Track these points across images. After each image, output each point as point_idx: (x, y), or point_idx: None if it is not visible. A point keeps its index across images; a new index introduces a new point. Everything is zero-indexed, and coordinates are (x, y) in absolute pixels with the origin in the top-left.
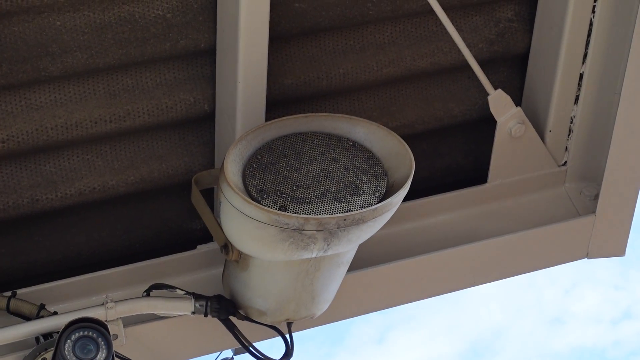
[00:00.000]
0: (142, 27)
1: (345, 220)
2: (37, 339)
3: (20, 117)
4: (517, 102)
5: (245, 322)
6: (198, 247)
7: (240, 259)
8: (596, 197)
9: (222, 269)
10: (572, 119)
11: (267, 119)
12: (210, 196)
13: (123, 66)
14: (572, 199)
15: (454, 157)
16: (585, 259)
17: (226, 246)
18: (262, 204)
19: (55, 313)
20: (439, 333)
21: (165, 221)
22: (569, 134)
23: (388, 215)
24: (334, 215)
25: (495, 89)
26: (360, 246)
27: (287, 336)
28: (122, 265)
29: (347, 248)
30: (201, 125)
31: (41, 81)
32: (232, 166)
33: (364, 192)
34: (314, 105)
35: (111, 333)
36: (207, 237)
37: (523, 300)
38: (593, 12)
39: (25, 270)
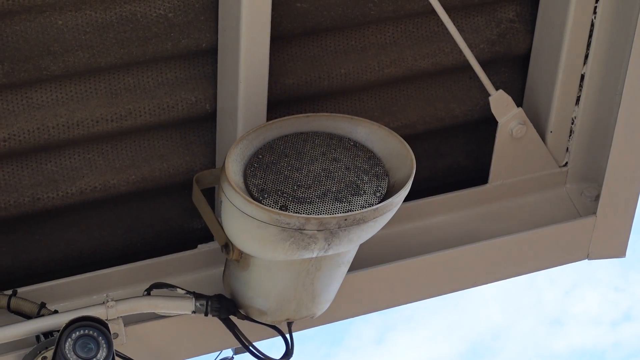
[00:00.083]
0: (143, 27)
1: (346, 220)
2: (37, 337)
3: (21, 116)
4: (519, 102)
5: (246, 322)
6: (199, 246)
7: (241, 258)
8: (597, 198)
9: (222, 269)
10: (573, 119)
11: (268, 119)
12: (211, 196)
13: (125, 65)
14: (573, 199)
15: (455, 158)
16: (586, 260)
17: (227, 245)
18: (263, 204)
19: (55, 312)
20: (439, 333)
21: (166, 220)
22: (570, 135)
23: (389, 215)
24: (334, 215)
25: (497, 89)
26: (361, 246)
27: (288, 336)
28: (122, 264)
29: (347, 248)
30: (202, 125)
31: (43, 80)
32: (233, 166)
33: (365, 192)
34: (315, 105)
35: (112, 332)
36: (207, 237)
37: (523, 301)
38: (594, 12)
39: (26, 268)
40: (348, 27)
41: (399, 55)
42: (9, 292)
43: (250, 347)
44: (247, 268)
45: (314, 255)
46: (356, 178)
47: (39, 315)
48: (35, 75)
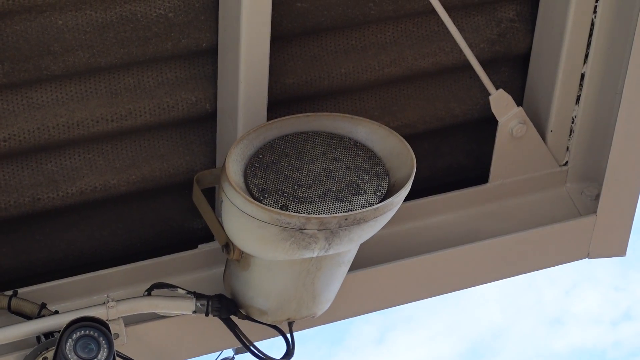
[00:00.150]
0: (143, 26)
1: (346, 219)
2: (38, 338)
3: (21, 116)
4: (519, 102)
5: (246, 322)
6: (199, 246)
7: (242, 258)
8: (597, 197)
9: (223, 269)
10: (573, 119)
11: (268, 119)
12: (212, 195)
13: (125, 65)
14: (573, 199)
15: (455, 157)
16: (586, 259)
17: (227, 245)
18: (263, 203)
19: (56, 312)
20: (439, 333)
21: (166, 220)
22: (570, 134)
23: (389, 214)
24: (335, 215)
25: (497, 88)
26: (362, 246)
27: (288, 336)
28: (123, 264)
29: (348, 247)
30: (203, 125)
31: (43, 80)
32: (234, 165)
33: (365, 191)
34: (316, 104)
35: (112, 332)
36: (208, 237)
37: (523, 301)
38: (594, 12)
39: (26, 269)
40: (348, 27)
41: (399, 55)
42: (10, 292)
43: (251, 347)
44: (247, 268)
45: (315, 254)
46: (356, 177)
47: (39, 315)
48: (36, 75)
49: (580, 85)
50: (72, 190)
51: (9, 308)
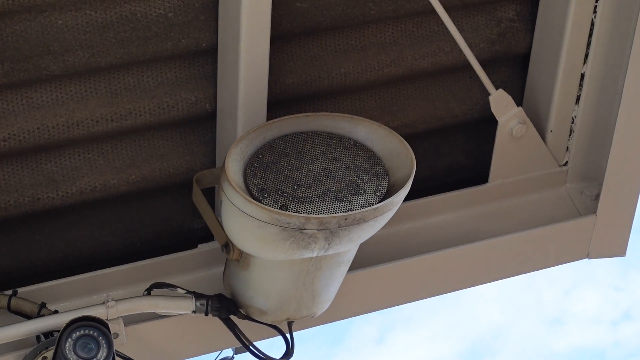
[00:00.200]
0: (143, 26)
1: (346, 219)
2: (38, 337)
3: (21, 116)
4: (519, 102)
5: (246, 321)
6: (199, 246)
7: (241, 258)
8: (597, 197)
9: (223, 268)
10: (573, 119)
11: (268, 118)
12: (212, 195)
13: (124, 65)
14: (573, 199)
15: (455, 157)
16: (586, 259)
17: (227, 245)
18: (263, 203)
19: (56, 312)
20: (439, 333)
21: (166, 220)
22: (570, 134)
23: (389, 214)
24: (335, 215)
25: (497, 88)
26: (361, 245)
27: (288, 335)
28: (123, 264)
29: (348, 247)
30: (202, 125)
31: (43, 80)
32: (234, 165)
33: (365, 191)
34: (315, 104)
35: (112, 332)
36: (208, 236)
37: (523, 301)
38: (594, 12)
39: (26, 268)
40: (348, 27)
41: (399, 55)
42: (9, 292)
43: (251, 347)
44: (247, 268)
45: (314, 254)
46: (356, 177)
47: (39, 315)
48: (35, 75)
49: (580, 85)
50: (72, 190)
51: (8, 307)
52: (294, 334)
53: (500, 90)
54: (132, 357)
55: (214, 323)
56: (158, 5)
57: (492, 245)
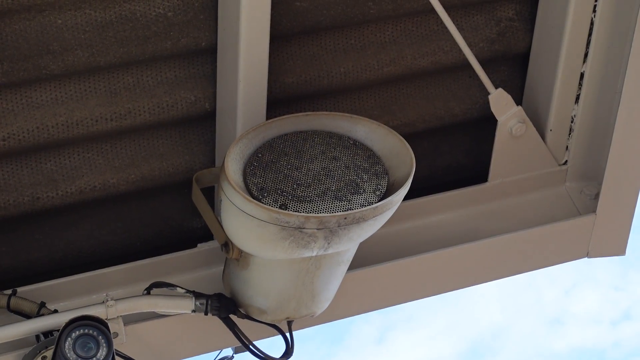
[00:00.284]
0: (143, 26)
1: (345, 218)
2: (37, 337)
3: (21, 115)
4: (518, 101)
5: (246, 321)
6: (198, 245)
7: (241, 257)
8: (597, 196)
9: (222, 268)
10: (572, 118)
11: (267, 118)
12: (211, 195)
13: (124, 64)
14: (573, 198)
15: (455, 156)
16: (586, 258)
17: (227, 244)
18: (262, 203)
19: (55, 311)
20: (439, 333)
21: (165, 219)
22: (570, 133)
23: (389, 213)
24: (334, 214)
25: (496, 88)
26: (361, 245)
27: (288, 335)
28: (122, 263)
29: (347, 246)
30: (202, 124)
31: (42, 79)
32: (233, 164)
33: (364, 190)
34: (315, 103)
35: (112, 331)
36: (207, 236)
37: (523, 301)
38: (594, 11)
39: (25, 268)
40: (347, 26)
41: (398, 54)
42: (9, 291)
43: (250, 346)
44: (246, 267)
45: (314, 253)
46: (356, 177)
47: (38, 314)
48: (35, 75)
49: (580, 84)
50: (72, 190)
51: (8, 307)
52: (294, 333)
53: (500, 90)
54: (132, 357)
55: (214, 322)
56: (157, 5)
57: (492, 245)
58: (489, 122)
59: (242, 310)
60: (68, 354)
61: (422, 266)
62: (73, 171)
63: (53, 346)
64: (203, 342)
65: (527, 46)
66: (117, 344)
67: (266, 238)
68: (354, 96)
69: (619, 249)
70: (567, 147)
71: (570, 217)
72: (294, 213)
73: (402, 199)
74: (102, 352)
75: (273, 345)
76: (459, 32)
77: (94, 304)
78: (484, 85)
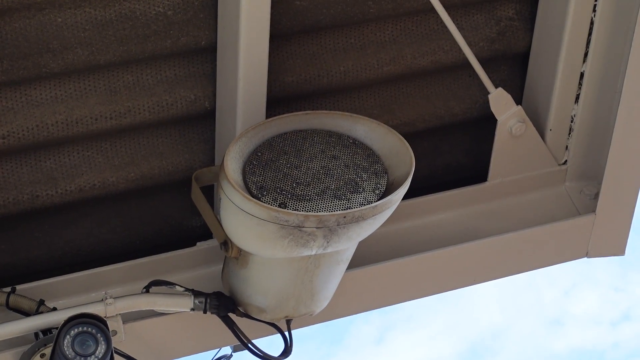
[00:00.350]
0: (142, 24)
1: (345, 217)
2: (36, 334)
3: (20, 114)
4: (518, 100)
5: (245, 319)
6: (198, 244)
7: (240, 256)
8: (596, 196)
9: (221, 266)
10: (572, 117)
11: (267, 117)
12: (210, 193)
13: (124, 63)
14: (572, 197)
15: (455, 156)
16: (585, 257)
17: (226, 243)
18: (262, 201)
19: (54, 309)
20: (439, 333)
21: (165, 218)
22: (570, 133)
23: (388, 212)
24: (333, 213)
25: (496, 87)
26: (360, 244)
27: (286, 333)
28: (121, 261)
29: (346, 245)
30: (202, 123)
31: (42, 77)
32: (232, 163)
33: (364, 189)
34: (315, 102)
35: (110, 329)
36: (206, 234)
37: (523, 301)
38: (594, 10)
39: (24, 266)
40: (347, 25)
41: (398, 53)
42: (8, 289)
43: (249, 345)
44: (246, 265)
45: (313, 252)
46: (355, 176)
47: (37, 312)
48: (35, 73)
49: (580, 84)
50: (71, 188)
51: (7, 304)
52: (293, 332)
53: (500, 89)
54: (131, 355)
55: (213, 321)
56: (157, 3)
57: (491, 244)
58: (489, 122)
59: (241, 309)
60: (67, 352)
61: (422, 265)
62: (73, 169)
63: (52, 344)
64: (202, 340)
65: (527, 46)
66: (115, 342)
67: (265, 237)
68: (353, 95)
69: (618, 249)
70: (566, 146)
71: (569, 217)
72: (293, 212)
73: (402, 198)
74: (101, 349)
75: (272, 344)
76: (459, 31)
77: (93, 302)
78: (483, 85)
